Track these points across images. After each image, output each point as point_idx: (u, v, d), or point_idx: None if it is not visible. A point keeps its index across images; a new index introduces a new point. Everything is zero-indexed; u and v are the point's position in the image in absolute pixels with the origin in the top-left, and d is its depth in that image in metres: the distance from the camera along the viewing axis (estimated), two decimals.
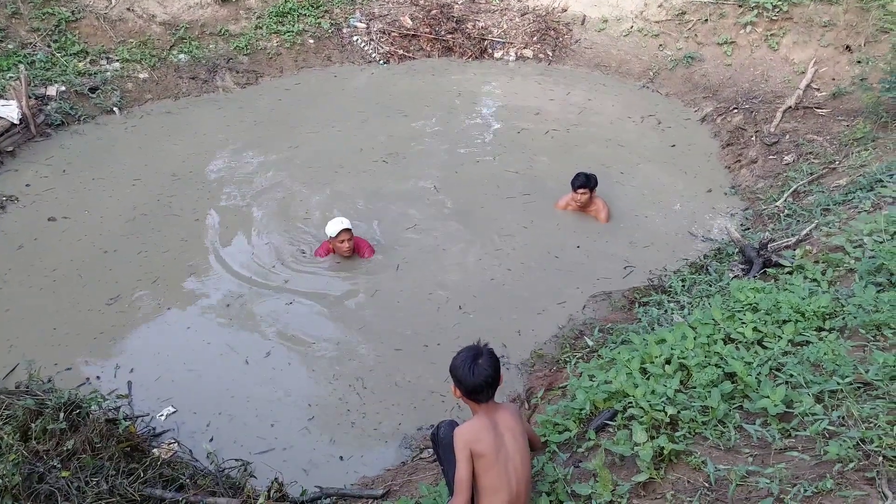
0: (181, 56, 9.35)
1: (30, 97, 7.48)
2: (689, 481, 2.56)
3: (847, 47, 8.44)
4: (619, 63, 10.10)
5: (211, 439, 4.05)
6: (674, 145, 7.88)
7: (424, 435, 4.03)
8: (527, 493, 2.55)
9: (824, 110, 7.71)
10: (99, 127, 8.05)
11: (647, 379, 3.28)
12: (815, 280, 4.02)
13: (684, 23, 9.87)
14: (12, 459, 3.21)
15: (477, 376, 2.50)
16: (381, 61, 10.42)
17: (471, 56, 10.70)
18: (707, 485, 2.49)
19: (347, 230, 5.47)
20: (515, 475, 2.48)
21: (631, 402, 3.10)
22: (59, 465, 3.29)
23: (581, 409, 3.31)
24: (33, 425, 3.41)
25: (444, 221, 6.35)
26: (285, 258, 5.77)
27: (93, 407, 3.69)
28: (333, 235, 5.44)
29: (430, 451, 3.83)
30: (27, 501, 3.12)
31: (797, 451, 2.50)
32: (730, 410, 2.89)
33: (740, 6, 9.39)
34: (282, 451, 3.99)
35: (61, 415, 3.47)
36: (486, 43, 10.85)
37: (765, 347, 3.35)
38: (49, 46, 8.64)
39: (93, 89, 8.35)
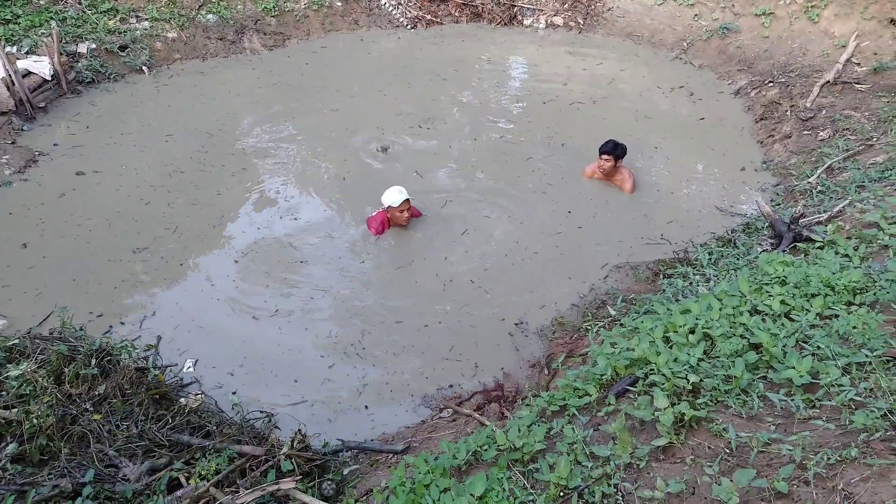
0: (210, 16, 9.33)
1: (61, 54, 7.53)
2: (709, 447, 2.56)
3: (891, 20, 8.08)
4: (652, 33, 9.83)
5: (234, 392, 4.15)
6: (703, 118, 7.69)
7: (444, 395, 4.09)
8: None
9: (864, 86, 7.44)
10: (129, 85, 8.11)
11: (670, 347, 3.26)
12: (846, 255, 3.93)
13: None
14: (46, 401, 3.32)
15: None
16: (409, 26, 10.28)
17: (500, 22, 10.51)
18: (728, 450, 2.48)
19: (409, 199, 5.18)
20: None
21: (653, 369, 3.09)
22: (91, 409, 3.40)
23: (602, 375, 3.30)
24: (66, 370, 3.52)
25: (465, 192, 6.31)
26: (312, 220, 5.81)
27: (123, 355, 3.80)
28: (395, 205, 5.15)
29: (450, 410, 3.88)
30: (60, 441, 3.23)
31: (821, 421, 2.48)
32: (753, 380, 2.87)
33: None
34: (310, 406, 4.08)
35: (93, 361, 3.58)
36: (515, 9, 10.63)
37: (792, 320, 3.30)
38: (80, 3, 8.66)
39: (122, 48, 8.40)
